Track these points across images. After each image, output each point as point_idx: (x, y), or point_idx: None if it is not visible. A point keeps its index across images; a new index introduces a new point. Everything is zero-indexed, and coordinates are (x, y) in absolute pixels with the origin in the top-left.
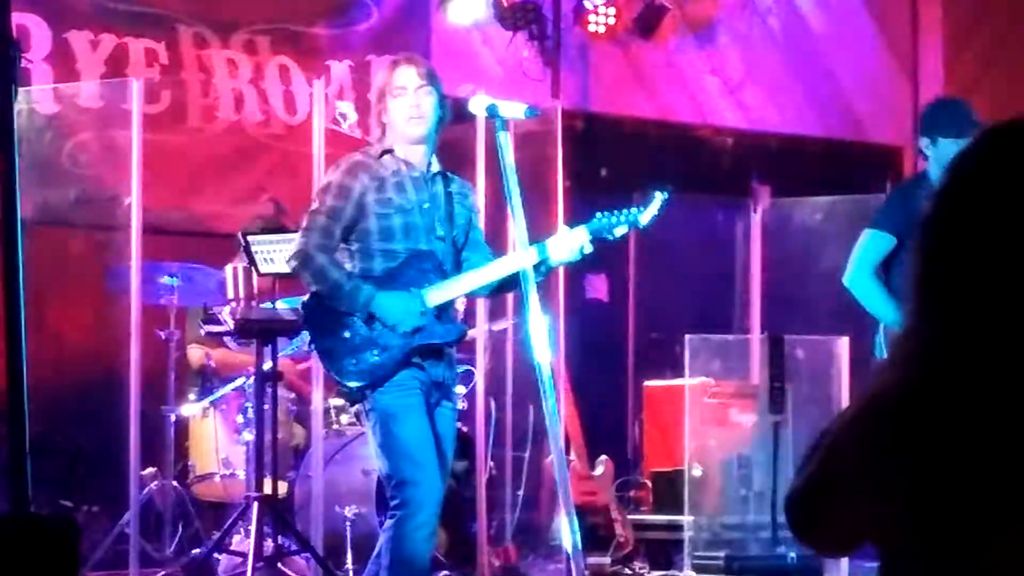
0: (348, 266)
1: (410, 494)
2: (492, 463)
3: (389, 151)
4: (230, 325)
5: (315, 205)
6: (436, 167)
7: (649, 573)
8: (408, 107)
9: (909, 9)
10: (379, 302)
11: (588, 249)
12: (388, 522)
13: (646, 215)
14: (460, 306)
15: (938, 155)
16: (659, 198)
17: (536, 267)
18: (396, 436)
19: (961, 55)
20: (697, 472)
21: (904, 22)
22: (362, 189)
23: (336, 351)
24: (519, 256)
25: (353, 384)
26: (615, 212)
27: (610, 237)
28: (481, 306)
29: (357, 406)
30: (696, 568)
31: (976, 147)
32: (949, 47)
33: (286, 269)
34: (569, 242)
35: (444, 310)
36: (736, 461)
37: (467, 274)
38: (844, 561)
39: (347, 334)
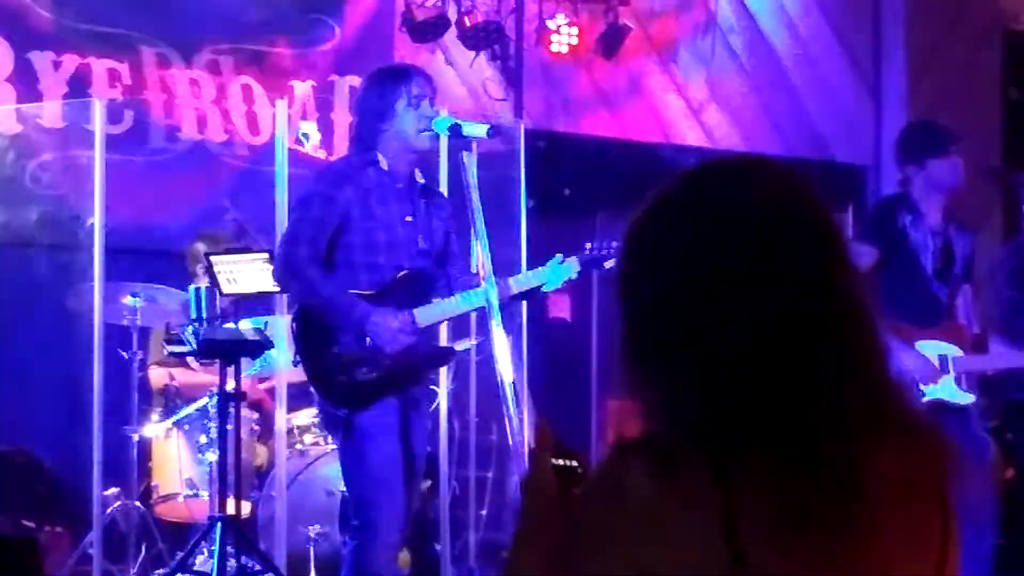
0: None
1: (375, 516)
2: (455, 483)
3: (373, 163)
4: (193, 345)
5: (297, 214)
6: (420, 179)
7: None
8: (424, 118)
9: (872, 29)
10: (374, 320)
11: (572, 276)
12: (350, 544)
13: None
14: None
15: (928, 176)
16: None
17: (530, 294)
18: (367, 457)
19: (924, 76)
20: None
21: (867, 42)
22: (347, 200)
23: (326, 368)
24: (505, 285)
25: (340, 402)
26: (608, 243)
27: (601, 269)
28: (444, 326)
29: (320, 417)
30: None
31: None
32: (912, 67)
33: (249, 289)
34: (562, 273)
35: (428, 330)
36: None
37: (455, 298)
38: None
39: (336, 350)
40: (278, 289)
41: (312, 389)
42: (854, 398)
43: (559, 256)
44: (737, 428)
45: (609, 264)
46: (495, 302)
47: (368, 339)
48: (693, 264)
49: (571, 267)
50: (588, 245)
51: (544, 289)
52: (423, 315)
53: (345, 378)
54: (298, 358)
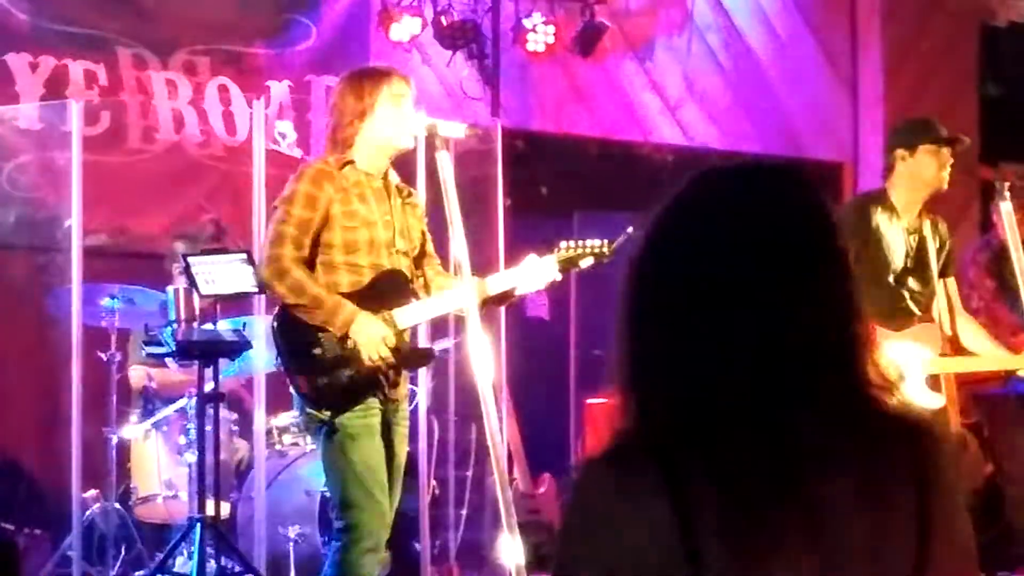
0: None
1: (358, 519)
2: (435, 482)
3: (350, 162)
4: (171, 346)
5: (280, 214)
6: (394, 179)
7: None
8: (405, 118)
9: (849, 26)
10: (359, 322)
11: (556, 278)
12: (334, 545)
13: (612, 248)
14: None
15: (916, 164)
16: (628, 232)
17: (506, 296)
18: (350, 458)
19: (900, 73)
20: None
21: (844, 39)
22: (328, 200)
23: (307, 369)
24: (480, 284)
25: (322, 404)
26: (582, 243)
27: (575, 268)
28: (423, 325)
29: (301, 419)
30: None
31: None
32: (889, 64)
33: (227, 290)
34: (539, 272)
35: (408, 330)
36: None
37: (433, 299)
38: None
39: (318, 351)
40: (257, 290)
41: (292, 391)
42: (828, 400)
43: (533, 256)
44: (701, 423)
45: (585, 263)
46: (473, 302)
47: (351, 342)
48: (692, 268)
49: (549, 268)
50: (563, 244)
51: (522, 291)
52: (403, 316)
53: (327, 380)
54: (279, 360)
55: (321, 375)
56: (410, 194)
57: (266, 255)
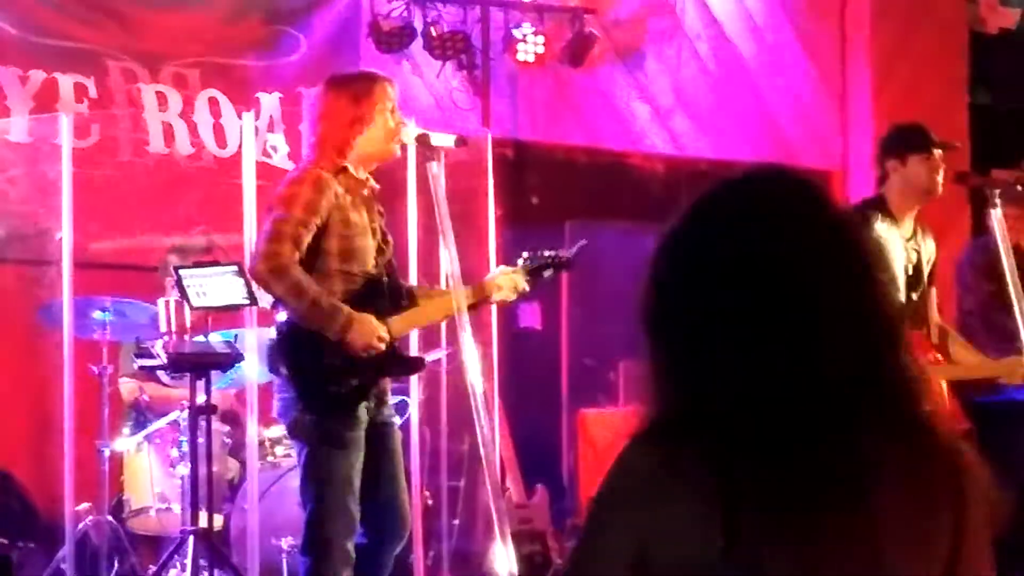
0: None
1: (331, 530)
2: (428, 492)
3: (343, 169)
4: (163, 359)
5: (279, 214)
6: (374, 187)
7: None
8: (395, 127)
9: (837, 34)
10: (356, 325)
11: (526, 288)
12: (305, 560)
13: (568, 259)
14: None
15: (908, 174)
16: (582, 243)
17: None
18: (334, 469)
19: (890, 81)
20: None
21: (833, 47)
22: (328, 207)
23: (318, 376)
24: (462, 292)
25: (327, 411)
26: (541, 254)
27: (541, 279)
28: (415, 335)
29: (290, 424)
30: None
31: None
32: (878, 73)
33: (219, 303)
34: (510, 281)
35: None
36: None
37: (421, 308)
38: None
39: (327, 360)
40: (248, 302)
41: (292, 396)
42: (865, 398)
43: (504, 267)
44: (741, 420)
45: (548, 274)
46: (465, 311)
47: (347, 342)
48: (718, 269)
49: (519, 279)
50: (524, 255)
51: (496, 299)
52: (397, 325)
53: (337, 388)
54: (283, 368)
55: (331, 383)
56: (376, 198)
57: (262, 250)
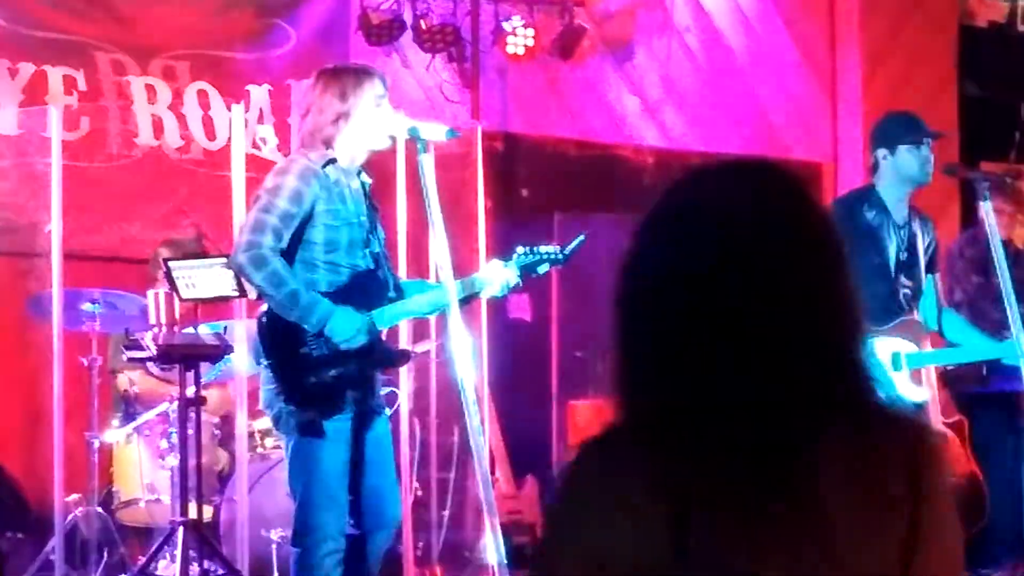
0: None
1: (319, 520)
2: (417, 484)
3: (332, 161)
4: (152, 351)
5: (263, 203)
6: (367, 181)
7: None
8: (384, 120)
9: (827, 27)
10: (335, 318)
11: (517, 283)
12: (295, 550)
13: (566, 253)
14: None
15: (896, 165)
16: (579, 239)
17: (464, 299)
18: (321, 460)
19: (880, 73)
20: None
21: (822, 40)
22: (314, 197)
23: (296, 367)
24: (453, 286)
25: (307, 403)
26: (537, 250)
27: (534, 274)
28: (404, 327)
29: (275, 416)
30: None
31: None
32: (867, 64)
33: (208, 294)
34: (501, 276)
35: (388, 331)
36: None
37: (408, 301)
38: None
39: (305, 350)
40: (237, 294)
41: (271, 388)
42: (824, 396)
43: (496, 260)
44: (693, 419)
45: (542, 269)
46: (455, 303)
47: (326, 335)
48: (674, 266)
49: (511, 273)
50: (519, 250)
51: (486, 295)
52: (382, 318)
53: (316, 379)
54: (265, 355)
55: (310, 374)
56: (368, 192)
57: (244, 240)
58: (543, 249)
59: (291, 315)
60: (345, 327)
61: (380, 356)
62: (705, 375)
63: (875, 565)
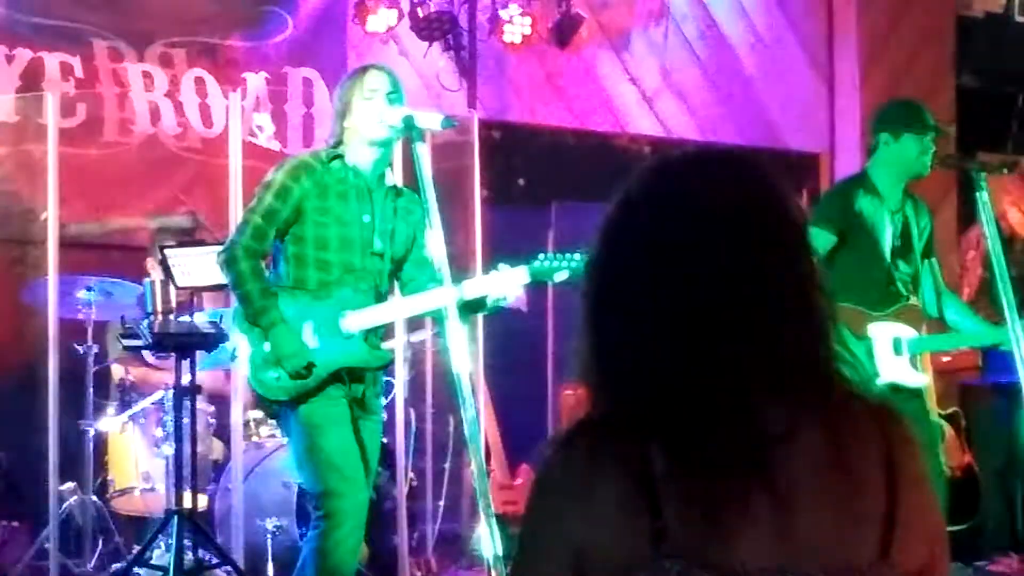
0: (283, 270)
1: (335, 506)
2: (412, 474)
3: (339, 156)
4: (148, 339)
5: (254, 200)
6: (389, 180)
7: None
8: (377, 111)
9: (825, 17)
10: (275, 333)
11: (521, 296)
12: (311, 534)
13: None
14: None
15: (899, 150)
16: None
17: (470, 305)
18: (320, 447)
19: (877, 63)
20: None
21: (820, 30)
22: (302, 193)
23: (260, 362)
24: (448, 292)
25: (273, 398)
26: (558, 256)
27: (550, 281)
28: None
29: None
30: None
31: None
32: (865, 55)
33: (204, 282)
34: (508, 282)
35: (372, 332)
36: None
37: (395, 302)
38: None
39: (268, 347)
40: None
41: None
42: (794, 381)
43: (504, 265)
44: (666, 409)
45: (560, 277)
46: (451, 293)
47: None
48: (641, 259)
49: (521, 277)
50: (540, 256)
51: (493, 298)
52: (354, 320)
53: (277, 376)
54: (236, 352)
55: (272, 369)
56: (408, 198)
57: (229, 238)
58: (566, 257)
59: (246, 315)
60: (283, 348)
61: (355, 358)
62: (679, 365)
63: (854, 551)
